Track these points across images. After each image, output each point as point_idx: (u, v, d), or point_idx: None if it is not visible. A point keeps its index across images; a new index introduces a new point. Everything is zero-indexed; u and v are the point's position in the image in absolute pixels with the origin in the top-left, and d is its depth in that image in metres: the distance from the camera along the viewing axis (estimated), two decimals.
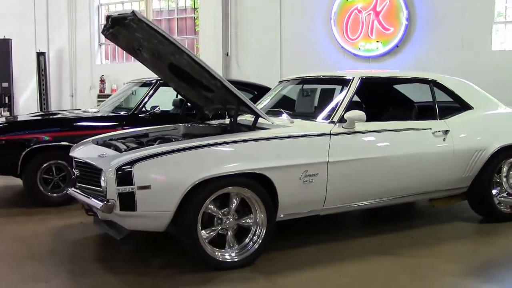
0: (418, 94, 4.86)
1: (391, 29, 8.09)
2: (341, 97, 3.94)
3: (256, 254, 3.38)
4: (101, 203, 3.08)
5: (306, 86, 4.56)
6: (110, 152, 3.45)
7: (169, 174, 3.10)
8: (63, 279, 3.22)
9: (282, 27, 8.99)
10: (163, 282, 3.14)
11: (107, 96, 9.15)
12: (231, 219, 3.34)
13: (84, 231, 4.26)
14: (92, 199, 3.28)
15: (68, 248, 3.92)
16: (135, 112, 5.57)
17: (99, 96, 10.58)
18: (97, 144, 3.88)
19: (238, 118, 3.86)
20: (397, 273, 3.26)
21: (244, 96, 3.58)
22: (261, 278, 3.19)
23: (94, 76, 11.25)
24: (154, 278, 3.20)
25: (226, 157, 3.28)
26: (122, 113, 5.69)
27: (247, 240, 3.39)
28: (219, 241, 3.31)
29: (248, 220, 3.41)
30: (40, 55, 11.43)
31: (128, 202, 3.04)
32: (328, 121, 3.78)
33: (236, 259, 3.32)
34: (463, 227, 4.35)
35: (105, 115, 5.71)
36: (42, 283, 3.15)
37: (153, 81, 5.76)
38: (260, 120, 3.66)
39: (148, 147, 3.37)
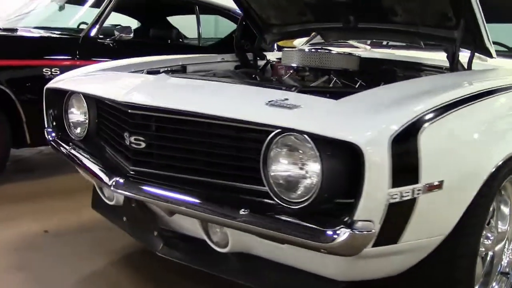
0: None
1: None
2: None
3: None
4: (336, 234, 1.12)
5: None
6: (303, 97, 1.36)
7: (466, 150, 1.34)
8: None
9: None
10: None
11: None
12: None
13: (72, 248, 2.05)
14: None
15: None
16: (91, 34, 3.26)
17: None
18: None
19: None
20: None
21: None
22: None
23: None
24: None
25: None
26: (58, 34, 3.35)
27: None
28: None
29: None
30: None
31: (395, 223, 1.21)
32: None
33: None
34: None
35: (29, 35, 3.25)
36: None
37: None
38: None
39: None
